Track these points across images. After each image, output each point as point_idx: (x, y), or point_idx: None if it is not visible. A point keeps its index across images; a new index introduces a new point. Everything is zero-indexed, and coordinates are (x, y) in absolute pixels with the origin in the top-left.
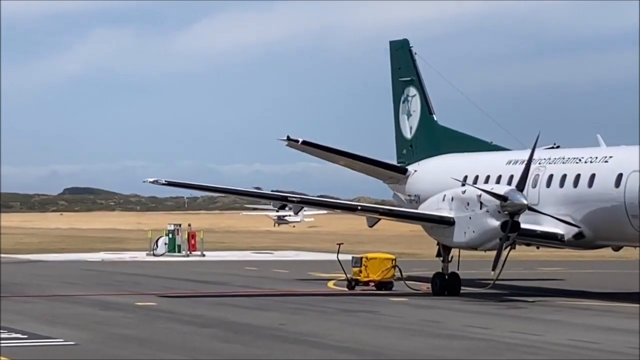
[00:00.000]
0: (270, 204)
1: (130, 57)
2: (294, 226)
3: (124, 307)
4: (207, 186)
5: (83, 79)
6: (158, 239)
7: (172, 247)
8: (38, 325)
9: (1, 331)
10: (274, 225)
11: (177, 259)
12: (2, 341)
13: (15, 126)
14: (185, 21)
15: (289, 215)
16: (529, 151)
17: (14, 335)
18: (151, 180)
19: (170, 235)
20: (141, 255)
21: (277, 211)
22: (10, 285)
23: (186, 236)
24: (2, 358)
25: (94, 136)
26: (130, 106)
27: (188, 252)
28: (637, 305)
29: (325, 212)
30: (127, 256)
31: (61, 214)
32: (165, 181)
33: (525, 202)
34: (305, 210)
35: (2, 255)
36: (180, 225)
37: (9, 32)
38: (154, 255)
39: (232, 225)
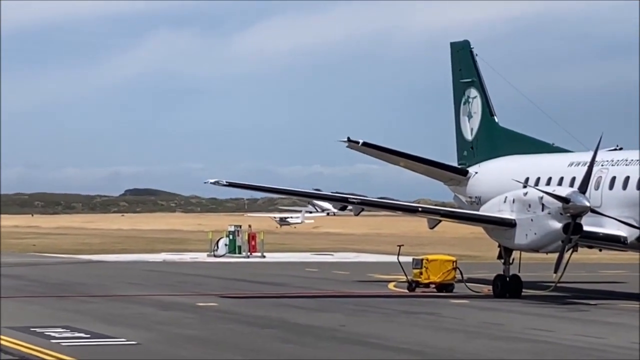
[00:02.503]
0: (307, 206)
1: (189, 59)
2: (295, 227)
3: (185, 308)
4: (267, 187)
5: (143, 82)
6: (219, 240)
7: (233, 248)
8: (100, 325)
9: (64, 331)
10: (277, 227)
11: (238, 260)
12: (65, 340)
13: (77, 128)
14: (244, 23)
15: (291, 217)
16: (591, 153)
17: (76, 334)
18: (212, 181)
19: (231, 237)
20: (202, 256)
21: (284, 215)
22: (72, 285)
23: (246, 237)
24: (65, 357)
25: (155, 138)
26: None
27: (248, 253)
28: None
29: (324, 214)
30: (187, 257)
31: (122, 215)
32: (226, 182)
33: (587, 204)
34: (306, 214)
35: (64, 255)
36: (240, 226)
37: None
38: (214, 256)
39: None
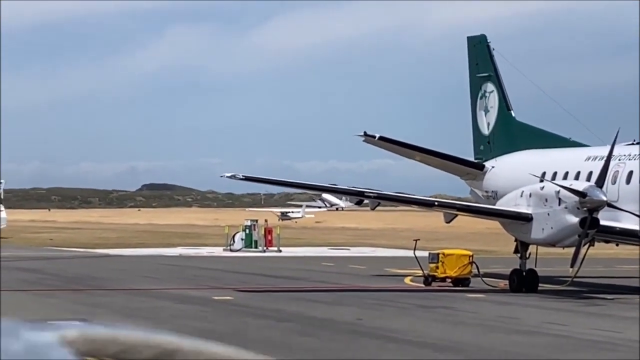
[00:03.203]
0: (315, 201)
1: (206, 55)
2: (296, 222)
3: (201, 301)
4: (282, 181)
5: (160, 77)
6: (235, 234)
7: (249, 242)
8: (117, 318)
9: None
10: (278, 221)
11: (254, 255)
12: None
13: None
14: (261, 19)
15: (292, 212)
16: (608, 147)
17: None
18: (228, 175)
19: (247, 231)
20: (218, 251)
21: (282, 212)
22: (89, 278)
23: (263, 232)
24: None
25: (171, 133)
26: (206, 103)
27: (264, 248)
28: None
29: (324, 209)
30: (204, 251)
31: (139, 210)
32: (243, 176)
33: (604, 198)
34: (306, 208)
35: (80, 249)
36: (257, 221)
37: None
38: (230, 250)
39: (308, 221)
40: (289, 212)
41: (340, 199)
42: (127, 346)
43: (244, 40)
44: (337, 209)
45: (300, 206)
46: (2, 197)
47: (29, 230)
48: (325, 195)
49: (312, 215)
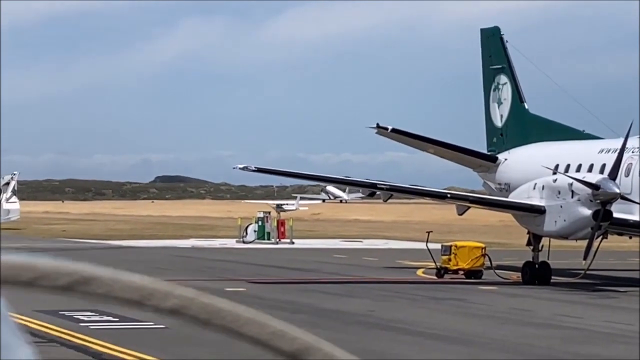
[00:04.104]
0: (320, 193)
1: (218, 48)
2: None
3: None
4: (295, 173)
5: (173, 70)
6: (247, 226)
7: (262, 234)
8: (129, 309)
9: (93, 314)
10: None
11: (266, 246)
12: (93, 324)
13: (108, 115)
14: (275, 10)
15: (286, 204)
16: (621, 140)
17: (105, 318)
18: (241, 166)
19: (260, 223)
20: (231, 242)
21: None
22: None
23: (275, 224)
24: (93, 340)
25: (185, 125)
26: (219, 96)
27: (277, 240)
28: None
29: (319, 201)
30: (217, 243)
31: (152, 202)
32: (255, 167)
33: (617, 191)
34: (300, 200)
35: (94, 241)
36: (269, 213)
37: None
38: (243, 242)
39: (321, 213)
40: (284, 204)
41: (344, 191)
42: (43, 273)
43: (257, 32)
44: (340, 201)
45: (295, 198)
46: (16, 188)
47: (42, 221)
48: (329, 188)
49: (306, 208)
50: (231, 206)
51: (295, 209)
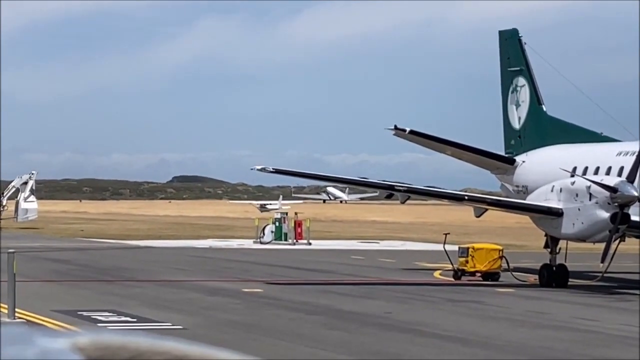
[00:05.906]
0: (321, 194)
1: (236, 47)
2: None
3: (231, 293)
4: (312, 174)
5: (190, 69)
6: (265, 227)
7: (279, 235)
8: (147, 310)
9: (111, 314)
10: (260, 212)
11: (284, 247)
12: (111, 324)
13: (126, 114)
14: (292, 10)
15: (270, 204)
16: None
17: (123, 318)
18: (259, 167)
19: (277, 224)
20: (248, 243)
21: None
22: (119, 270)
23: (293, 224)
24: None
25: (203, 125)
26: (237, 96)
27: (294, 240)
28: None
29: (301, 202)
30: (234, 243)
31: (170, 202)
32: (273, 169)
33: (635, 193)
34: (283, 200)
35: (111, 241)
36: (287, 213)
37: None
38: (260, 242)
39: (338, 214)
40: (267, 204)
41: (344, 192)
42: (137, 353)
43: (275, 32)
44: (340, 201)
45: (277, 197)
46: (34, 188)
47: (60, 221)
48: (330, 189)
49: (289, 207)
50: (248, 206)
51: (278, 209)
